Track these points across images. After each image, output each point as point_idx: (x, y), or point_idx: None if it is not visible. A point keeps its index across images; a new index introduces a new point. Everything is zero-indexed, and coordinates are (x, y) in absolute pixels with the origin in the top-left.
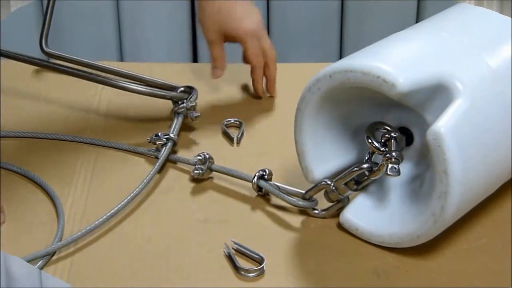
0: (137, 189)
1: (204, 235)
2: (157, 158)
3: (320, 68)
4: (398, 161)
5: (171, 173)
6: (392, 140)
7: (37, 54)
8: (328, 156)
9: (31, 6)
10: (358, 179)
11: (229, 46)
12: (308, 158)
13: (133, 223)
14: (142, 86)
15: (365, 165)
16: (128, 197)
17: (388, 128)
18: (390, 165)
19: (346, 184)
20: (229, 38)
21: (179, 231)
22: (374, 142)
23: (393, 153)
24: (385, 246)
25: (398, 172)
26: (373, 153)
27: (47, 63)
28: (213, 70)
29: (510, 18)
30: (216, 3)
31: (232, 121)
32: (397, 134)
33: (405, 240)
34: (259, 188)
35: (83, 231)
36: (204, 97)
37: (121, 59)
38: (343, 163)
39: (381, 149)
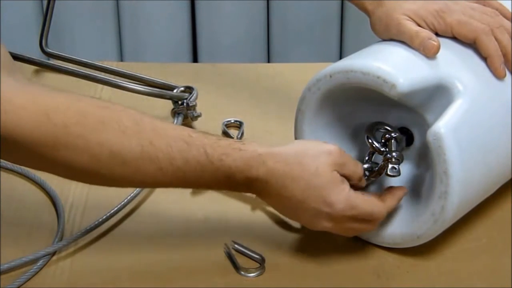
0: (137, 189)
1: (204, 235)
2: None
3: (320, 68)
4: (399, 161)
5: None
6: (392, 141)
7: (37, 54)
8: None
9: (31, 6)
10: None
11: (230, 46)
12: None
13: (133, 223)
14: (142, 86)
15: (365, 165)
16: (128, 197)
17: (388, 128)
18: (390, 166)
19: None
20: None
21: (179, 231)
22: (374, 142)
23: (393, 153)
24: (385, 246)
25: (398, 173)
26: (373, 153)
27: (47, 63)
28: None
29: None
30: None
31: (232, 121)
32: (397, 134)
33: (405, 241)
34: None
35: (83, 231)
36: (204, 97)
37: (121, 59)
38: None
39: (381, 149)
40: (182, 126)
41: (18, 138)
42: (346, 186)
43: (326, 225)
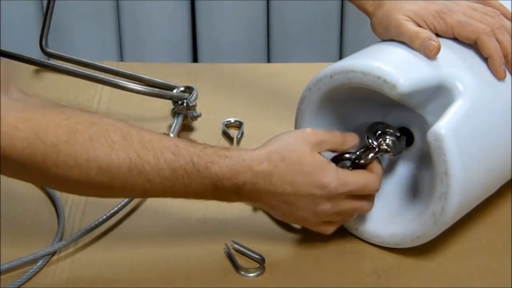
0: None
1: (204, 235)
2: None
3: (320, 68)
4: (394, 143)
5: None
6: (388, 136)
7: (37, 54)
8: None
9: (31, 6)
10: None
11: (230, 46)
12: None
13: (133, 223)
14: (142, 86)
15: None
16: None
17: (388, 128)
18: (385, 142)
19: None
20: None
21: (179, 231)
22: (375, 142)
23: (387, 137)
24: (385, 246)
25: (392, 150)
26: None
27: (47, 63)
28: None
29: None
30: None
31: (232, 121)
32: (394, 131)
33: (405, 241)
34: None
35: (83, 231)
36: (204, 97)
37: (121, 59)
38: None
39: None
40: (169, 137)
41: (10, 156)
42: (332, 165)
43: (325, 208)
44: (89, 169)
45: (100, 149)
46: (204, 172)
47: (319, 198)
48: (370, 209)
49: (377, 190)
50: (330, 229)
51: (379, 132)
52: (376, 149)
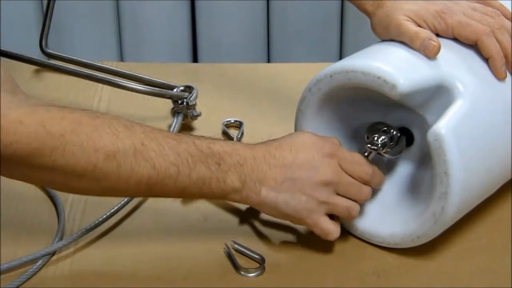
0: None
1: (204, 235)
2: None
3: (320, 68)
4: (385, 142)
5: None
6: (384, 134)
7: (37, 54)
8: None
9: (31, 6)
10: None
11: (230, 46)
12: None
13: (133, 223)
14: (142, 86)
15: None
16: (128, 197)
17: (389, 128)
18: (378, 138)
19: None
20: None
21: (179, 231)
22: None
23: (382, 135)
24: (385, 246)
25: (383, 144)
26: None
27: (47, 63)
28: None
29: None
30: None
31: (232, 121)
32: (394, 131)
33: (405, 241)
34: None
35: (83, 231)
36: (204, 97)
37: (121, 59)
38: None
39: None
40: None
41: (16, 153)
42: None
43: (327, 173)
44: (96, 159)
45: (106, 138)
46: (207, 152)
47: (318, 157)
48: (366, 196)
49: (369, 173)
50: (332, 227)
51: (379, 132)
52: (370, 146)
